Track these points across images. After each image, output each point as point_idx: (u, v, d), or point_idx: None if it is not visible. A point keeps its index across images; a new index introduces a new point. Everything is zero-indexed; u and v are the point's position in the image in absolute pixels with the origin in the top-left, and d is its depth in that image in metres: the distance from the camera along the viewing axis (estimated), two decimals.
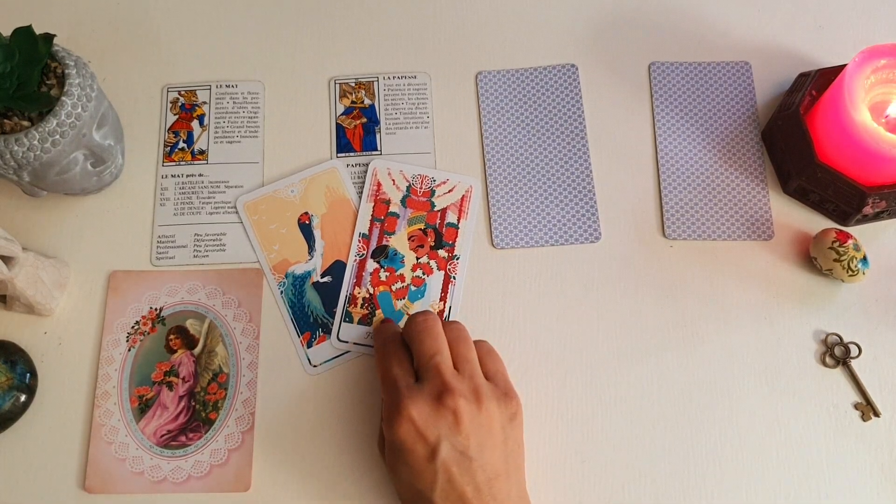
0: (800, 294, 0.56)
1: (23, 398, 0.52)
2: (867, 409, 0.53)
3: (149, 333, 0.55)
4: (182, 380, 0.54)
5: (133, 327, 0.55)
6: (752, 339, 0.55)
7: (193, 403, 0.53)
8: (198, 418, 0.53)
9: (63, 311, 0.56)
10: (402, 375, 0.48)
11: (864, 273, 0.53)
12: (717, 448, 0.52)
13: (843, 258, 0.53)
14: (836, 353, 0.54)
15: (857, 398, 0.54)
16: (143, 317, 0.55)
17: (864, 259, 0.54)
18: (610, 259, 0.57)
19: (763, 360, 0.54)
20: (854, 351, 0.54)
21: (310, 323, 0.55)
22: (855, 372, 0.54)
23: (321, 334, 0.55)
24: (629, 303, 0.56)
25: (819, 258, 0.55)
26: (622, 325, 0.55)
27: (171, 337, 0.55)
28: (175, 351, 0.55)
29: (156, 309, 0.55)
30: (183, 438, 0.53)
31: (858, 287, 0.56)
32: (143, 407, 0.53)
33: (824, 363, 0.54)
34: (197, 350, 0.55)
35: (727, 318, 0.55)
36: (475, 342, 0.50)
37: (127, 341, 0.55)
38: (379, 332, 0.52)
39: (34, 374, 0.53)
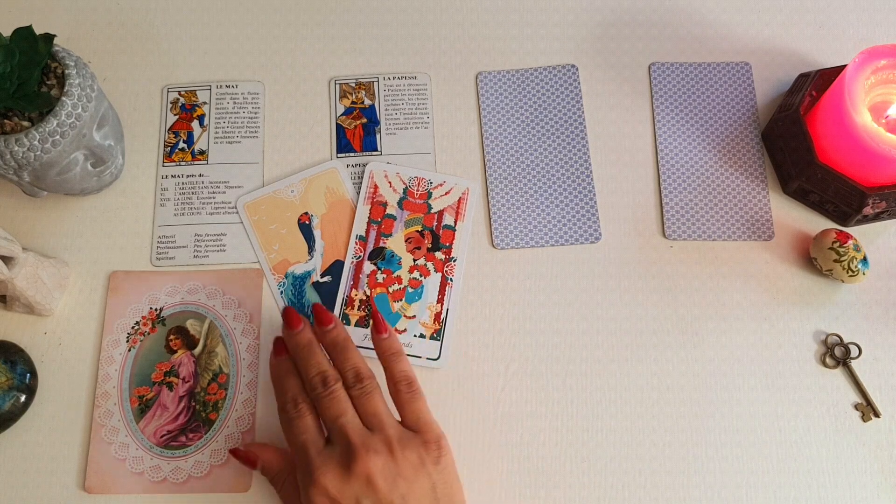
0: (800, 294, 0.56)
1: (23, 398, 0.52)
2: (867, 409, 0.53)
3: (149, 334, 0.55)
4: (182, 380, 0.54)
5: (133, 327, 0.55)
6: (752, 339, 0.55)
7: (193, 404, 0.53)
8: (198, 418, 0.53)
9: (63, 311, 0.56)
10: (312, 440, 0.45)
11: (864, 273, 0.53)
12: (717, 448, 0.52)
13: (843, 259, 0.53)
14: (837, 354, 0.54)
15: (857, 398, 0.54)
16: (144, 317, 0.55)
17: (864, 259, 0.53)
18: (610, 259, 0.57)
19: (763, 360, 0.54)
20: (854, 351, 0.54)
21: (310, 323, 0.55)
22: (855, 372, 0.54)
23: None
24: (629, 303, 0.56)
25: (819, 259, 0.55)
26: (622, 325, 0.55)
27: (172, 337, 0.55)
28: (175, 351, 0.55)
29: (156, 309, 0.55)
30: (183, 439, 0.53)
31: (858, 287, 0.56)
32: (143, 407, 0.53)
33: (824, 363, 0.54)
34: (197, 350, 0.55)
35: (727, 318, 0.55)
36: (394, 376, 0.48)
37: (127, 341, 0.55)
38: (278, 381, 0.49)
39: (34, 374, 0.53)
